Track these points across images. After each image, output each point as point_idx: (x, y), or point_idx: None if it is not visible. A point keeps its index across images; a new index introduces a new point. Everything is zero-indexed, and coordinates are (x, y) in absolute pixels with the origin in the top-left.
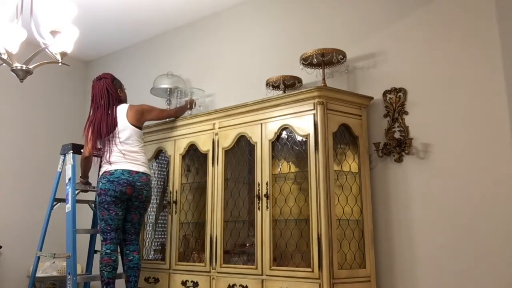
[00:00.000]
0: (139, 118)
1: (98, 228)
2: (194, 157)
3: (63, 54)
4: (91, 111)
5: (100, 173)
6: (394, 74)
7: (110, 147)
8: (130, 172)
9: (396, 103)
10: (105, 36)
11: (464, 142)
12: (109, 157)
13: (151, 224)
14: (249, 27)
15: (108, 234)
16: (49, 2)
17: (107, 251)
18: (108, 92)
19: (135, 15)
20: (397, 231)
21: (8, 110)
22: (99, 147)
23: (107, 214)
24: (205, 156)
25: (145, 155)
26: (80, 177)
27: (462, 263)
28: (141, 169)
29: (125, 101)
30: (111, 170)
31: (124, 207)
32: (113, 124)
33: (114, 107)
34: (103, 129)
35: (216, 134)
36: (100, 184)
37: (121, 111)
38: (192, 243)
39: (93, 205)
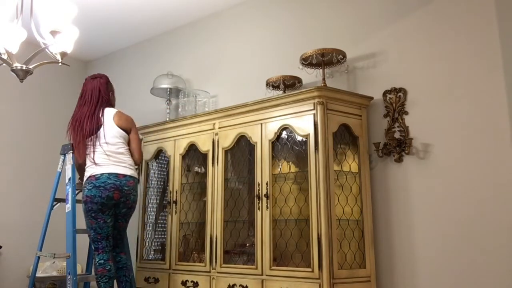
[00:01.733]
0: (127, 125)
1: (88, 236)
2: (194, 157)
3: (63, 54)
4: (76, 108)
5: (85, 178)
6: (394, 74)
7: (94, 148)
8: (117, 175)
9: (396, 103)
10: (105, 36)
11: (464, 142)
12: (93, 157)
13: (151, 224)
14: (249, 27)
15: (99, 243)
16: (49, 2)
17: (100, 261)
18: (100, 92)
19: (135, 15)
20: (397, 231)
21: (8, 110)
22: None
23: (95, 223)
24: (205, 156)
25: (131, 158)
26: (79, 179)
27: (462, 263)
28: (129, 172)
29: (113, 106)
30: (96, 174)
31: (113, 213)
32: (98, 124)
33: (102, 108)
34: (86, 126)
35: (216, 134)
36: (86, 190)
37: (108, 113)
38: (192, 243)
39: None
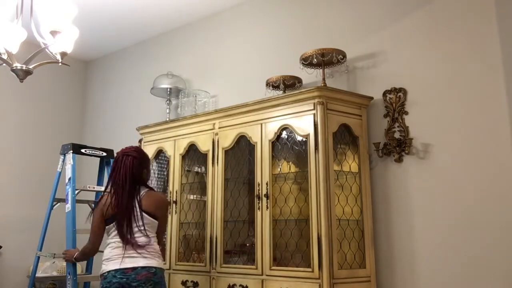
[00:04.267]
0: None
1: None
2: (194, 157)
3: (63, 54)
4: None
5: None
6: (394, 74)
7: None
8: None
9: (396, 103)
10: (105, 36)
11: (464, 142)
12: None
13: None
14: (249, 27)
15: None
16: (49, 2)
17: None
18: None
19: (135, 15)
20: (397, 231)
21: (8, 110)
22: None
23: None
24: (205, 156)
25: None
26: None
27: (462, 262)
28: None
29: None
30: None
31: None
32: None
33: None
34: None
35: (216, 134)
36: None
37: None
38: (192, 243)
39: (93, 205)
